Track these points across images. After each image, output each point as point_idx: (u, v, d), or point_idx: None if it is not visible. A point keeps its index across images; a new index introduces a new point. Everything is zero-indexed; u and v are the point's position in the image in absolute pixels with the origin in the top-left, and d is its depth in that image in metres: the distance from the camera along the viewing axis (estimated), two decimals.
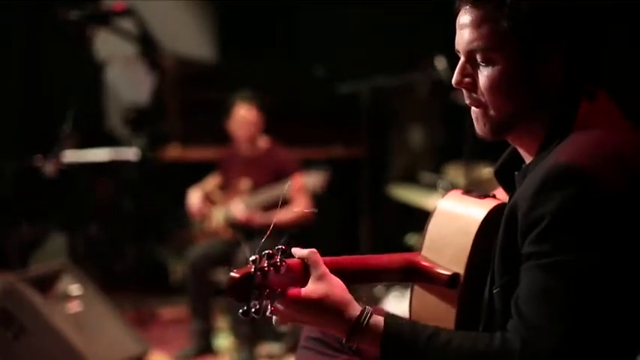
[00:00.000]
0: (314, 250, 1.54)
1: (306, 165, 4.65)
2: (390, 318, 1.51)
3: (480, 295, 1.57)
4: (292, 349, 4.20)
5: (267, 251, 1.44)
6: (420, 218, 3.84)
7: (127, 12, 4.82)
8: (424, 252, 1.69)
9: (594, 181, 1.40)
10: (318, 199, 4.49)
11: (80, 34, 5.13)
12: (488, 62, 1.52)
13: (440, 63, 4.15)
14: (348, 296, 1.52)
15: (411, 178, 5.15)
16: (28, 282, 3.56)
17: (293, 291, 1.49)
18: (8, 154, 5.45)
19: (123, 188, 5.54)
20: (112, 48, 5.60)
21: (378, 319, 1.50)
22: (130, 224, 5.34)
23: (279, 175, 4.44)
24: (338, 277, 1.53)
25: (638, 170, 1.44)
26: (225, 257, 4.34)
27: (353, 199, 4.98)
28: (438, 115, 5.81)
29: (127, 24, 4.94)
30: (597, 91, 1.55)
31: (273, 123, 4.65)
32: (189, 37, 6.25)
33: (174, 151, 5.62)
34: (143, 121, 5.49)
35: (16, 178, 5.35)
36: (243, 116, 4.53)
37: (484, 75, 1.53)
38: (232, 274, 1.42)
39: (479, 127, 1.60)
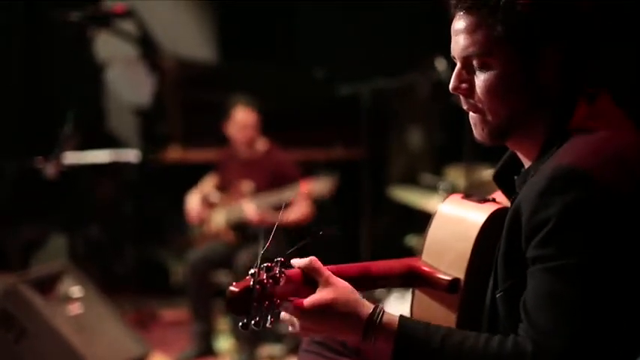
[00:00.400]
0: (313, 257, 1.54)
1: (307, 167, 4.65)
2: (403, 317, 1.52)
3: (480, 300, 1.57)
4: (293, 350, 4.20)
5: (265, 264, 1.43)
6: (420, 220, 3.85)
7: (128, 13, 4.81)
8: (424, 257, 1.70)
9: (597, 184, 1.40)
10: (320, 204, 4.50)
11: (81, 36, 5.13)
12: (484, 67, 1.53)
13: (440, 64, 4.15)
14: (357, 295, 1.52)
15: (411, 180, 5.15)
16: (29, 283, 3.55)
17: (300, 301, 1.49)
18: (9, 155, 5.45)
19: (123, 189, 5.55)
20: (112, 49, 5.60)
21: (392, 318, 1.50)
22: (130, 225, 5.35)
23: (278, 177, 4.44)
24: None
25: None
26: (226, 259, 4.35)
27: (353, 201, 4.97)
28: (438, 117, 5.81)
29: (127, 25, 4.93)
30: (598, 93, 1.55)
31: (272, 124, 4.65)
32: (189, 39, 6.24)
33: (174, 153, 5.62)
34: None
35: (16, 179, 5.35)
36: (241, 119, 4.54)
37: (480, 80, 1.54)
38: (231, 288, 1.42)
39: (477, 132, 1.60)
